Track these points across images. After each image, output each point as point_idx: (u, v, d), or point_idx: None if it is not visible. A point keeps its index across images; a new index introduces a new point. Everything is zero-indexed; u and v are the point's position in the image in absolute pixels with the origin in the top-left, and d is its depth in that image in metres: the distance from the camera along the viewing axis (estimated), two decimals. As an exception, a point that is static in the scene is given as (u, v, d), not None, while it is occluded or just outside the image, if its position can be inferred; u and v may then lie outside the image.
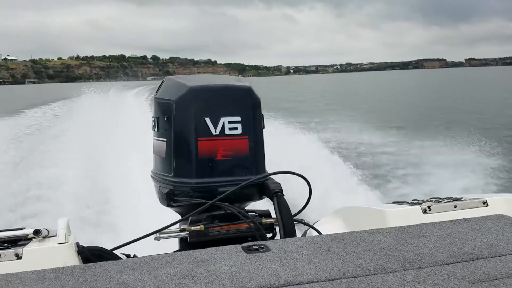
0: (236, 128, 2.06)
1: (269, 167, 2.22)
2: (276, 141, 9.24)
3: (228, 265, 1.33)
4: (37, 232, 1.71)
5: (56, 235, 1.72)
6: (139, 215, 5.12)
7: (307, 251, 1.44)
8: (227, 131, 2.04)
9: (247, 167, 2.09)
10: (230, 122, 2.05)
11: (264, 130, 2.19)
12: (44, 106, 30.55)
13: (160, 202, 2.14)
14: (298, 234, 2.08)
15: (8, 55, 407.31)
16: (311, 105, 36.28)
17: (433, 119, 22.23)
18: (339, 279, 1.23)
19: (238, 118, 2.07)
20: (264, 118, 2.21)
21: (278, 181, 2.15)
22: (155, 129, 2.19)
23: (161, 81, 2.32)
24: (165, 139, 2.10)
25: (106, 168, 9.35)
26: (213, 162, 2.04)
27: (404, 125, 19.24)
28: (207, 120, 2.03)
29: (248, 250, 1.46)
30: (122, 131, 13.25)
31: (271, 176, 2.17)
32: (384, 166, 11.64)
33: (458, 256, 1.39)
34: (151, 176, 2.23)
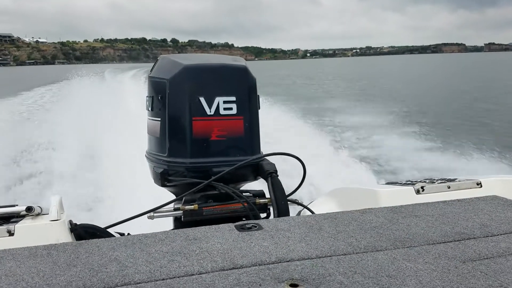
0: (231, 108, 1.94)
1: (264, 148, 2.09)
2: (270, 122, 8.93)
3: (221, 243, 1.28)
4: (29, 209, 1.65)
5: (49, 213, 1.65)
6: (134, 195, 4.96)
7: (299, 230, 1.39)
8: (222, 111, 1.93)
9: (242, 147, 1.98)
10: (225, 102, 1.94)
11: (259, 110, 2.06)
12: (46, 87, 29.68)
13: (155, 182, 2.05)
14: (293, 215, 1.96)
15: (40, 38, 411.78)
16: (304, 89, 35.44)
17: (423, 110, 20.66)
18: (330, 256, 1.19)
19: (233, 98, 1.95)
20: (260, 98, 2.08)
21: (273, 162, 2.04)
22: (149, 109, 2.08)
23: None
24: (159, 119, 1.99)
25: (102, 148, 9.08)
26: (208, 142, 1.93)
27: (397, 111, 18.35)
28: (202, 99, 1.91)
29: (241, 228, 1.41)
30: (120, 111, 12.94)
31: (266, 157, 2.05)
32: (381, 151, 11.28)
33: (450, 236, 1.34)
34: (145, 156, 2.13)
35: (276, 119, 13.14)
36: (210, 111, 1.91)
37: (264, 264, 1.13)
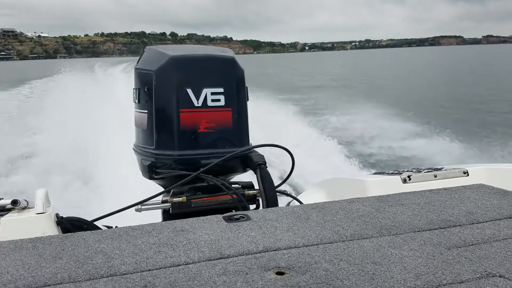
0: (219, 100, 1.88)
1: (253, 141, 2.02)
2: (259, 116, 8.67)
3: (208, 234, 1.25)
4: (15, 203, 1.61)
5: (34, 206, 1.61)
6: (122, 189, 4.78)
7: (287, 220, 1.36)
8: (209, 103, 1.87)
9: (230, 139, 1.93)
10: (212, 93, 1.87)
11: (248, 102, 2.00)
12: (34, 81, 28.72)
13: (143, 175, 2.00)
14: (282, 206, 1.91)
15: (42, 32, 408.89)
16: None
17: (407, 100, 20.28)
18: (316, 244, 1.18)
19: (221, 90, 1.88)
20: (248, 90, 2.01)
21: (262, 154, 1.98)
22: (136, 101, 2.02)
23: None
24: (146, 111, 1.94)
25: (90, 142, 8.71)
26: (196, 134, 1.87)
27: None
28: (189, 91, 1.85)
29: (229, 219, 1.37)
30: (108, 104, 12.50)
31: (255, 149, 1.99)
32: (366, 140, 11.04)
33: (436, 223, 1.31)
34: (133, 149, 2.07)
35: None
36: (198, 103, 1.85)
37: (251, 254, 1.12)
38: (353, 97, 20.27)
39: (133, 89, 2.03)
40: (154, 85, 1.87)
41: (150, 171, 1.91)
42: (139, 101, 1.98)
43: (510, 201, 1.51)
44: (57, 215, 1.66)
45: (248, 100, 2.00)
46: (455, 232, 1.26)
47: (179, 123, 1.84)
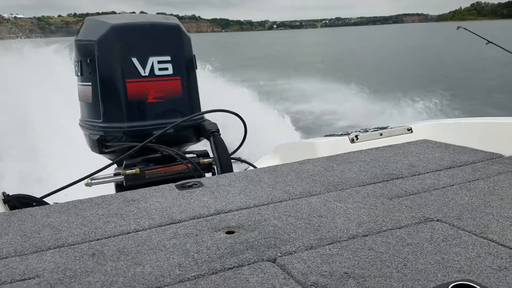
0: (166, 69, 1.69)
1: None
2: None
3: (160, 202, 1.20)
4: None
5: None
6: (72, 167, 4.27)
7: (240, 184, 1.30)
8: (157, 72, 1.67)
9: (181, 109, 1.75)
10: (159, 62, 1.68)
11: (196, 71, 1.79)
12: None
13: (92, 150, 1.79)
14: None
15: (17, 14, 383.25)
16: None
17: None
18: (267, 204, 1.18)
19: (168, 58, 1.68)
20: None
21: (215, 122, 1.81)
22: (79, 74, 1.78)
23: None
24: (90, 83, 1.70)
25: (34, 124, 7.63)
26: (145, 105, 1.68)
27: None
28: (134, 60, 1.65)
29: (182, 187, 1.28)
30: (48, 85, 10.94)
31: (207, 118, 1.81)
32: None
33: (380, 177, 1.31)
34: (79, 124, 1.84)
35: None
36: (145, 72, 1.65)
37: (203, 217, 1.10)
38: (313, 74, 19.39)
39: (74, 61, 1.79)
40: (96, 55, 1.65)
41: (100, 146, 1.71)
42: (81, 74, 1.75)
43: (451, 153, 1.48)
44: (3, 193, 1.48)
45: (196, 68, 1.81)
46: (397, 184, 1.24)
47: (126, 93, 1.64)
